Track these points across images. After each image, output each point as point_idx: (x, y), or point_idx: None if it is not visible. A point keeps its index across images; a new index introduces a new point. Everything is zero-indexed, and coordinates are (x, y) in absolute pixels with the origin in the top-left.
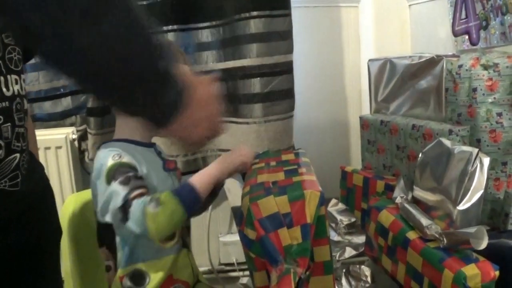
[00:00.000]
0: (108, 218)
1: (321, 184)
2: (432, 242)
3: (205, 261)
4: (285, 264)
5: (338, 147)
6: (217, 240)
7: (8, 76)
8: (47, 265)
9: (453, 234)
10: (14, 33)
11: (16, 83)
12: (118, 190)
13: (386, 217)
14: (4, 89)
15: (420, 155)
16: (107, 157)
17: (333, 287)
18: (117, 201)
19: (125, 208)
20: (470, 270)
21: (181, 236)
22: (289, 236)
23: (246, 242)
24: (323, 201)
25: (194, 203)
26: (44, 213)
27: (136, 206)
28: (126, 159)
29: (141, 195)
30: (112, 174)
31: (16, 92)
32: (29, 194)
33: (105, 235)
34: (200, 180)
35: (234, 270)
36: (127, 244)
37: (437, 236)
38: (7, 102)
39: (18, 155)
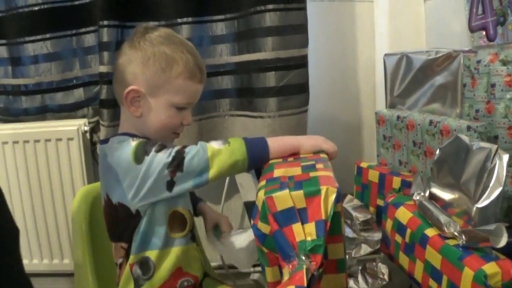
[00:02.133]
0: (143, 202)
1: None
2: (451, 240)
3: (216, 256)
4: (298, 260)
5: (351, 142)
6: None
7: None
8: (8, 263)
9: (472, 231)
10: None
11: None
12: (159, 157)
13: (404, 214)
14: None
15: (437, 151)
16: (126, 143)
17: (345, 285)
18: (162, 160)
19: (176, 159)
20: (491, 269)
21: (191, 229)
22: (304, 232)
23: (259, 236)
24: (340, 197)
25: (259, 159)
26: (4, 209)
27: (192, 148)
28: (145, 139)
29: (185, 146)
30: (143, 150)
31: None
32: None
33: (126, 228)
34: (274, 143)
35: None
36: (140, 232)
37: (456, 234)
38: None
39: None
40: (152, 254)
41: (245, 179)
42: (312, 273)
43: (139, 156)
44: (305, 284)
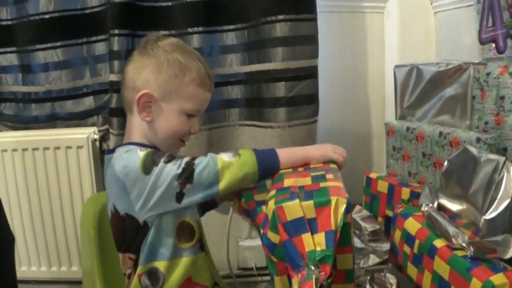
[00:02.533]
0: (150, 213)
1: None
2: (459, 251)
3: (224, 265)
4: (307, 270)
5: (360, 153)
6: (236, 244)
7: None
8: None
9: (480, 243)
10: None
11: None
12: (169, 168)
13: (412, 224)
14: None
15: (446, 162)
16: (133, 153)
17: None
18: (172, 172)
19: (186, 171)
20: (499, 279)
21: (199, 239)
22: (313, 242)
23: (268, 245)
24: (350, 208)
25: (269, 170)
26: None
27: (202, 161)
28: (152, 149)
29: (195, 158)
30: (151, 161)
31: None
32: None
33: (134, 239)
34: (285, 151)
35: (253, 275)
36: (148, 242)
37: (464, 245)
38: None
39: None
40: (160, 264)
41: None
42: (321, 283)
43: (148, 166)
44: None
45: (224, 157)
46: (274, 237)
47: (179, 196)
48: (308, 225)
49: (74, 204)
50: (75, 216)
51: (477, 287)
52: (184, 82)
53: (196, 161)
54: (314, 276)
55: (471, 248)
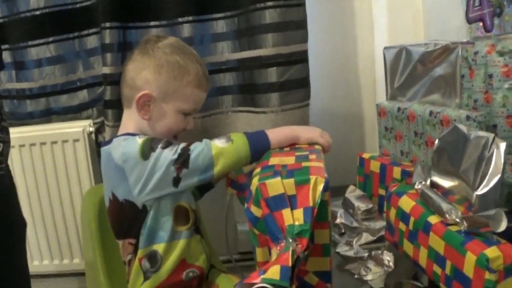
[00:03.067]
0: (149, 196)
1: (337, 171)
2: (453, 226)
3: (223, 250)
4: (285, 242)
5: (353, 135)
6: (235, 229)
7: None
8: (13, 252)
9: (473, 217)
10: None
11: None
12: (166, 153)
13: (407, 202)
14: None
15: (436, 141)
16: (132, 140)
17: (329, 269)
18: (168, 157)
19: (182, 156)
20: (492, 252)
21: (194, 222)
22: (292, 217)
23: (251, 219)
24: (328, 187)
25: (261, 147)
26: (15, 202)
27: (197, 146)
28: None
29: (191, 143)
30: (148, 147)
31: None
32: (7, 180)
33: (133, 223)
34: (274, 134)
35: (252, 259)
36: (147, 226)
37: (457, 220)
38: None
39: (2, 144)
40: (159, 247)
41: None
42: (298, 255)
43: (146, 152)
44: (290, 264)
45: (218, 143)
46: (256, 211)
47: (176, 181)
48: (288, 201)
49: (73, 197)
50: (74, 209)
51: (471, 260)
52: (183, 83)
53: (192, 147)
54: (291, 248)
55: (465, 223)
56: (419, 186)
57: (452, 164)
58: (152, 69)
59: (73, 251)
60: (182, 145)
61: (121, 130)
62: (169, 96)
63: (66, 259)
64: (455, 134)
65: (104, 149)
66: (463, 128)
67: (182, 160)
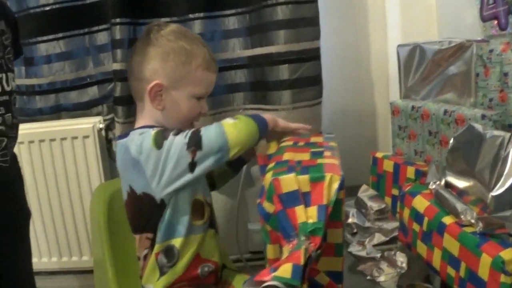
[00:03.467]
0: (167, 188)
1: (350, 170)
2: (468, 227)
3: (234, 249)
4: (298, 240)
5: (366, 134)
6: (246, 228)
7: (8, 74)
8: (17, 242)
9: (489, 218)
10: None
11: (13, 80)
12: (177, 139)
13: (421, 202)
14: (5, 85)
15: (451, 140)
16: (147, 132)
17: (341, 269)
18: (181, 142)
19: (193, 139)
20: (508, 255)
21: (209, 216)
22: (305, 215)
23: (264, 215)
24: (343, 185)
25: (262, 126)
26: (20, 193)
27: (207, 127)
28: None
29: (199, 128)
30: (161, 136)
31: (13, 88)
32: (13, 172)
33: (151, 217)
34: (264, 116)
35: (262, 258)
36: (165, 221)
37: (473, 221)
38: (7, 96)
39: (5, 138)
40: (176, 241)
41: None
42: (310, 254)
43: (159, 141)
44: (302, 263)
45: (228, 120)
46: (269, 207)
47: (192, 166)
48: (302, 198)
49: (83, 193)
50: (84, 206)
51: (487, 262)
52: (192, 68)
53: (202, 129)
54: (304, 247)
55: (480, 224)
56: (434, 186)
57: (467, 164)
58: (159, 58)
59: (82, 248)
60: (192, 129)
61: (137, 124)
62: (179, 82)
63: (75, 256)
64: (470, 133)
65: (120, 142)
66: (478, 127)
67: (195, 142)
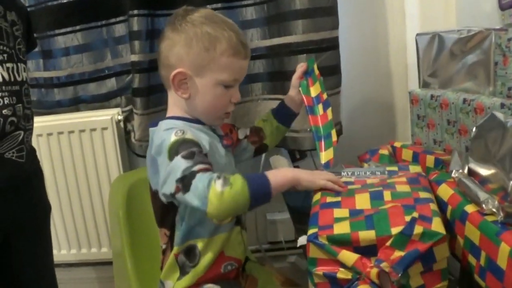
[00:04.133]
0: (166, 191)
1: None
2: (489, 216)
3: (253, 240)
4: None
5: (385, 123)
6: (264, 218)
7: (19, 64)
8: (36, 236)
9: (510, 207)
10: (22, 26)
11: (24, 71)
12: (181, 163)
13: (445, 191)
14: (16, 75)
15: (474, 128)
16: (169, 134)
17: None
18: (178, 173)
19: (186, 179)
20: None
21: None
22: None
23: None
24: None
25: (262, 196)
26: (39, 187)
27: (201, 178)
28: (189, 135)
29: (206, 170)
30: (175, 149)
31: (24, 79)
32: (30, 167)
33: (166, 215)
34: (275, 177)
35: (281, 249)
36: (185, 222)
37: (494, 210)
38: (18, 86)
39: (22, 132)
40: (198, 242)
41: (279, 163)
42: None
43: (172, 153)
44: None
45: (218, 185)
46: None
47: (172, 196)
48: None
49: (101, 185)
50: (103, 198)
51: (505, 251)
52: (216, 54)
53: (197, 177)
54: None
55: (501, 213)
56: (456, 175)
57: (489, 152)
58: (182, 45)
59: (101, 240)
60: (195, 167)
61: (168, 113)
62: (204, 69)
63: (94, 248)
64: (492, 121)
65: (151, 130)
66: (500, 116)
67: (184, 184)
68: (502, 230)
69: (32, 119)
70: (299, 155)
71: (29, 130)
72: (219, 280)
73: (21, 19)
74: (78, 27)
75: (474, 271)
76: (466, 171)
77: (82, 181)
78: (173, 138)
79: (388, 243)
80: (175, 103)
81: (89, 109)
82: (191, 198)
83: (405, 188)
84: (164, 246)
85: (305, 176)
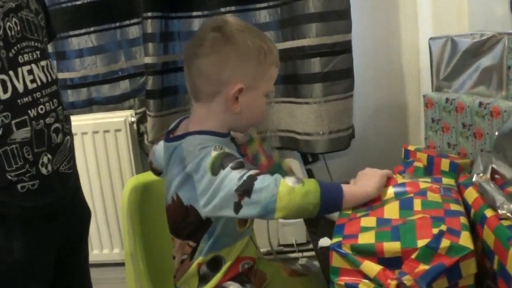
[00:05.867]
0: (213, 213)
1: (381, 164)
2: (505, 220)
3: (265, 242)
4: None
5: (397, 127)
6: (276, 221)
7: (49, 60)
8: (85, 245)
9: None
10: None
11: (53, 67)
12: (233, 175)
13: (471, 194)
14: (52, 73)
15: (497, 131)
16: (208, 150)
17: None
18: (233, 183)
19: (246, 184)
20: None
21: (252, 220)
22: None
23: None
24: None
25: (332, 205)
26: (81, 196)
27: (265, 178)
28: (227, 149)
29: (262, 173)
30: (219, 164)
31: (56, 76)
32: (75, 177)
33: (197, 230)
34: (352, 192)
35: (293, 251)
36: (214, 235)
37: (508, 214)
38: (55, 86)
39: (69, 137)
40: (223, 252)
41: (293, 165)
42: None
43: (216, 168)
44: None
45: (288, 181)
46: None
47: (237, 207)
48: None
49: (114, 186)
50: (115, 199)
51: None
52: (267, 65)
53: (260, 177)
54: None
55: None
56: (475, 178)
57: (508, 156)
58: (236, 59)
59: (113, 241)
60: (252, 172)
61: (195, 125)
62: (258, 81)
63: (106, 249)
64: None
65: (172, 144)
66: None
67: (245, 188)
68: None
69: (70, 120)
70: (311, 158)
71: (71, 133)
72: (236, 277)
73: (40, 4)
74: (92, 29)
75: (488, 275)
76: (489, 172)
77: (95, 182)
78: (213, 153)
79: (413, 256)
80: (214, 116)
81: (103, 111)
82: (258, 199)
83: (436, 198)
84: (184, 257)
85: (376, 192)
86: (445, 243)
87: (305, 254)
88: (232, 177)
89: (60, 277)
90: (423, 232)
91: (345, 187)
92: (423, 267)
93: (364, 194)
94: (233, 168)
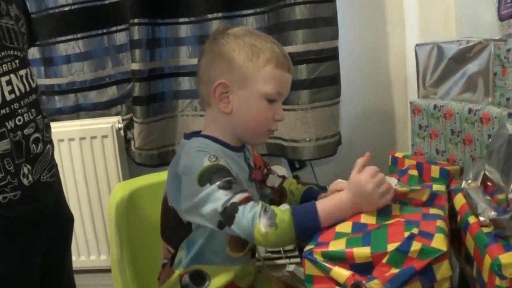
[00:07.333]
0: (194, 219)
1: None
2: (486, 228)
3: None
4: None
5: (384, 133)
6: None
7: (30, 68)
8: (68, 251)
9: (498, 220)
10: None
11: (34, 75)
12: (219, 195)
13: (459, 200)
14: (31, 81)
15: (490, 139)
16: (201, 157)
17: None
18: (218, 205)
19: (228, 212)
20: (507, 259)
21: (251, 248)
22: None
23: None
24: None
25: (309, 233)
26: (64, 201)
27: (244, 213)
28: (222, 161)
29: (247, 200)
30: (208, 177)
31: (36, 83)
32: (58, 184)
33: (176, 233)
34: (328, 210)
35: (280, 258)
36: (197, 246)
37: (487, 222)
38: (34, 94)
39: (49, 146)
40: (208, 268)
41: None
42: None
43: (203, 180)
44: None
45: (262, 225)
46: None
47: (221, 225)
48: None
49: (101, 193)
50: (102, 205)
51: (487, 264)
52: (260, 63)
53: (240, 210)
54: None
55: (492, 226)
56: (463, 185)
57: (499, 163)
58: (224, 57)
59: (100, 247)
60: (235, 199)
61: (203, 130)
62: (247, 80)
63: (93, 255)
64: (501, 133)
65: (182, 142)
66: (509, 128)
67: (226, 218)
68: (491, 243)
69: (50, 128)
70: (298, 164)
71: (52, 142)
72: None
73: (20, 9)
74: (79, 35)
75: (469, 281)
76: (480, 178)
77: (82, 188)
78: (206, 163)
79: (384, 260)
80: (213, 120)
81: (90, 117)
82: (238, 231)
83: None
84: (165, 261)
85: (369, 208)
86: (416, 246)
87: (292, 260)
88: (217, 197)
89: (45, 287)
90: (395, 236)
91: (320, 210)
92: (394, 271)
93: (338, 211)
94: (220, 188)
